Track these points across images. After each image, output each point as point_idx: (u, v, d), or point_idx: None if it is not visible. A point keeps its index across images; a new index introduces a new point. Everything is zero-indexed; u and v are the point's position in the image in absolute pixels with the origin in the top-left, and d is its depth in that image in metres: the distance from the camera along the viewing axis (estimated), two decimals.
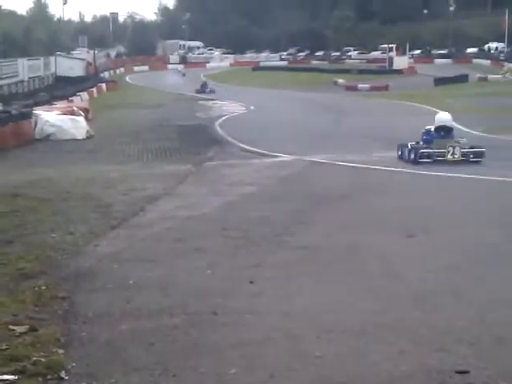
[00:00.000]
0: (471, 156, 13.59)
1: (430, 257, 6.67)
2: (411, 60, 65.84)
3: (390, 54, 63.70)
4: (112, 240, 7.42)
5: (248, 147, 16.39)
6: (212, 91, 42.09)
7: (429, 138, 14.03)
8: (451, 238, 7.36)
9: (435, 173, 11.83)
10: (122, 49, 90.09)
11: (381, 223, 8.16)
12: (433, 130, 14.16)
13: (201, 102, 35.89)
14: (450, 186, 10.85)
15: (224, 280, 6.00)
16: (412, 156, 13.65)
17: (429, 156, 13.53)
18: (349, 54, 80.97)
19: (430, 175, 11.73)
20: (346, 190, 10.39)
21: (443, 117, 14.59)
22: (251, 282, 5.86)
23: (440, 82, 46.40)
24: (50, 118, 19.82)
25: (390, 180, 11.37)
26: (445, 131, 14.10)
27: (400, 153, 14.19)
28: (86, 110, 24.74)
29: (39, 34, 59.28)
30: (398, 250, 6.93)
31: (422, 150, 13.56)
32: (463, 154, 13.54)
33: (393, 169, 12.34)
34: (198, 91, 42.28)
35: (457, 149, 13.54)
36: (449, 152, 13.49)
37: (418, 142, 13.99)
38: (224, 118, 26.30)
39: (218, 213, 8.80)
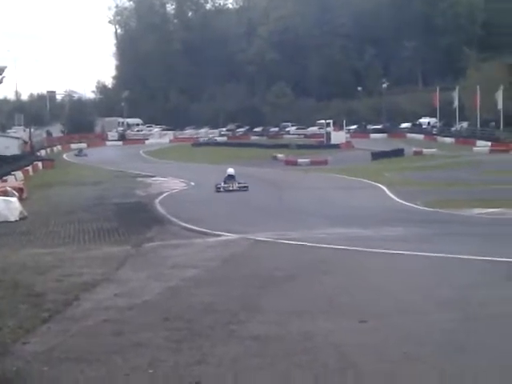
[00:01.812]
0: (242, 188, 26.66)
1: (385, 345, 6.28)
2: (348, 135, 67.24)
3: (328, 129, 65.01)
4: (43, 336, 6.77)
5: (190, 226, 15.94)
6: (85, 155, 59.75)
7: (224, 179, 27.32)
8: (404, 324, 6.99)
9: (384, 250, 11.57)
10: (58, 128, 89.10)
11: (331, 306, 7.77)
12: (226, 176, 27.50)
13: (139, 178, 35.47)
14: (398, 264, 10.58)
15: (167, 381, 5.44)
16: (214, 189, 26.63)
17: (223, 188, 26.62)
18: (287, 129, 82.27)
19: (377, 252, 11.46)
20: (292, 270, 10.00)
21: (230, 170, 27.97)
22: (197, 383, 5.32)
23: (377, 156, 47.38)
24: None
25: (337, 259, 11.04)
26: (230, 176, 27.49)
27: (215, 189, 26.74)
28: (20, 190, 23.99)
29: None
30: (352, 338, 6.50)
31: (217, 186, 26.91)
32: (238, 187, 26.60)
33: (338, 247, 12.04)
34: (76, 155, 60.59)
35: (234, 184, 26.90)
36: (230, 186, 26.71)
37: (224, 182, 27.11)
38: (164, 195, 25.90)
39: (160, 300, 8.25)
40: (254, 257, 11.66)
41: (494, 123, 60.65)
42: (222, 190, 26.69)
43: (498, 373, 5.53)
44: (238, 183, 27.09)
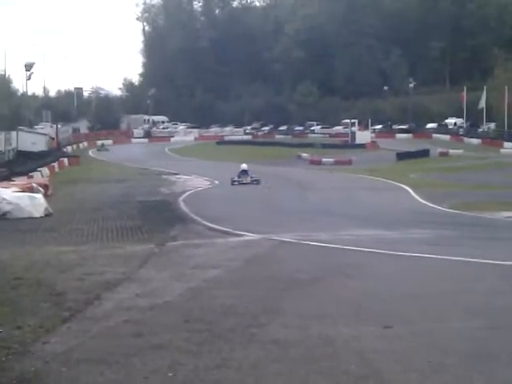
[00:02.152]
0: (254, 182, 29.86)
1: (411, 353, 6.12)
2: (373, 135, 66.76)
3: (353, 128, 64.63)
4: (62, 336, 6.72)
5: (213, 225, 15.87)
6: (106, 149, 63.95)
7: (239, 174, 30.48)
8: (430, 330, 6.82)
9: (410, 253, 11.37)
10: (84, 124, 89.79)
11: (355, 311, 7.63)
12: (240, 171, 30.61)
13: (164, 176, 35.55)
14: (424, 268, 10.39)
15: None
16: (230, 182, 29.82)
17: (237, 181, 29.94)
18: (312, 128, 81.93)
19: (403, 256, 11.28)
20: (316, 272, 9.88)
21: (243, 166, 31.03)
22: None
23: (402, 156, 47.04)
24: (7, 195, 19.12)
25: (362, 262, 10.88)
26: (244, 171, 30.59)
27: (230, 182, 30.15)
28: (45, 186, 24.13)
29: (1, 109, 58.71)
30: (376, 344, 6.36)
31: (233, 179, 30.23)
32: (251, 181, 29.81)
33: (364, 249, 11.88)
34: (98, 150, 64.74)
35: (247, 178, 30.09)
36: (243, 179, 30.03)
37: (238, 176, 30.55)
38: (188, 193, 25.91)
39: (181, 301, 8.18)
40: (277, 258, 11.55)
41: None
42: (236, 183, 30.03)
43: None
44: (251, 177, 30.32)
